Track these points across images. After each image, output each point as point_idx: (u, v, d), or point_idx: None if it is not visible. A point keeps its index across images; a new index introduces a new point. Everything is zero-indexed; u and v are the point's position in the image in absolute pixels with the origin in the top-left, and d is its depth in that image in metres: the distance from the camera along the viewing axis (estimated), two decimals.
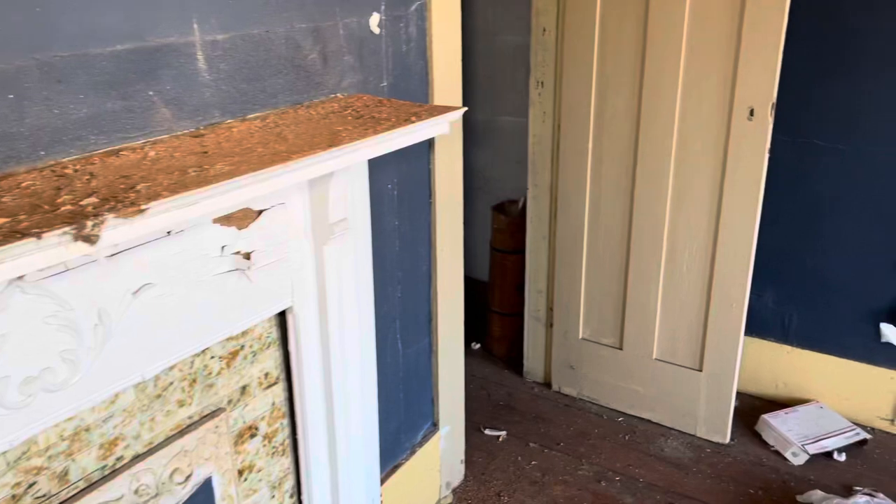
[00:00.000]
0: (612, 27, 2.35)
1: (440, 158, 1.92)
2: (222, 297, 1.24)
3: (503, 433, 2.62)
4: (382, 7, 1.64)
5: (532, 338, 2.90)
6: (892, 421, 2.54)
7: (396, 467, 2.05)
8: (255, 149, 1.15)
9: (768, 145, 2.19)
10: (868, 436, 2.50)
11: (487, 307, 3.15)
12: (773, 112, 2.16)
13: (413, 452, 2.10)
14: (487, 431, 2.63)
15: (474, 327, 3.31)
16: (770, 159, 2.43)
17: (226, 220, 1.22)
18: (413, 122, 1.31)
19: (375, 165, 1.70)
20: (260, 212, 1.28)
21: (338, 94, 1.56)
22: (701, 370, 2.50)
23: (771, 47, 2.10)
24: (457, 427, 2.29)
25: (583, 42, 2.40)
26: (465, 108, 1.44)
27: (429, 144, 1.89)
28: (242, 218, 1.25)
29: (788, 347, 2.69)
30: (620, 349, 2.65)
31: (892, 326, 2.47)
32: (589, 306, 2.69)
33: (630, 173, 2.45)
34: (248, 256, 1.26)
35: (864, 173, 2.40)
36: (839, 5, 2.31)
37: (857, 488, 2.28)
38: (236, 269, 1.25)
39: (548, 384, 2.89)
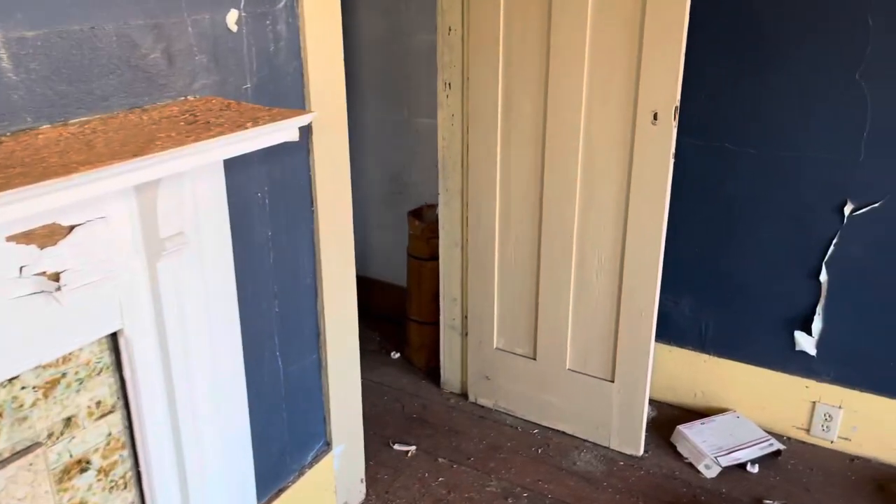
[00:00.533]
0: (517, 27, 2.26)
1: (321, 163, 1.81)
2: (25, 322, 1.12)
3: (412, 448, 2.52)
4: (241, 3, 1.53)
5: (448, 347, 2.80)
6: (808, 430, 2.50)
7: (282, 490, 1.93)
8: (48, 159, 1.03)
9: (673, 150, 2.12)
10: (782, 447, 2.45)
11: (406, 315, 3.04)
12: (677, 116, 2.09)
13: (301, 474, 1.99)
14: (396, 447, 2.52)
15: (395, 336, 3.21)
16: (682, 164, 2.37)
17: (24, 237, 1.10)
18: (247, 128, 1.20)
19: (239, 171, 1.59)
20: (72, 227, 1.16)
21: (188, 97, 1.45)
22: (613, 381, 2.42)
23: (672, 50, 2.02)
24: (354, 445, 2.18)
25: (488, 42, 2.31)
26: (315, 114, 1.34)
27: (306, 149, 1.78)
28: (47, 235, 1.13)
29: (705, 356, 2.63)
30: (534, 359, 2.57)
31: (805, 335, 2.42)
32: (503, 315, 2.60)
33: (538, 179, 2.36)
34: (56, 277, 1.14)
35: (774, 178, 2.35)
36: (750, 8, 2.25)
37: (768, 501, 2.23)
38: (41, 292, 1.13)
39: (465, 395, 2.80)
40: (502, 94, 2.34)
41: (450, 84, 2.46)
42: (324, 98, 1.77)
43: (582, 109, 2.21)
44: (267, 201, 1.70)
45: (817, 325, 2.40)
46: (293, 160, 1.75)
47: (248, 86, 1.58)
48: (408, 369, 3.01)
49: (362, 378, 2.16)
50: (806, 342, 2.43)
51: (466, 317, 2.69)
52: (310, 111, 1.33)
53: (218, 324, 1.49)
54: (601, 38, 2.13)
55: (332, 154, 1.84)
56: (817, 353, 2.43)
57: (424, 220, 2.91)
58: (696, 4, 2.07)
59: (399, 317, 3.16)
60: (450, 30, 2.40)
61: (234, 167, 1.55)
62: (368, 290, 3.45)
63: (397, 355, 3.10)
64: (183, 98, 1.43)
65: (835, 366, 2.42)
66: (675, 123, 2.09)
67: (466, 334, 2.71)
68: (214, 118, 1.27)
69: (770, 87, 2.28)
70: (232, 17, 1.51)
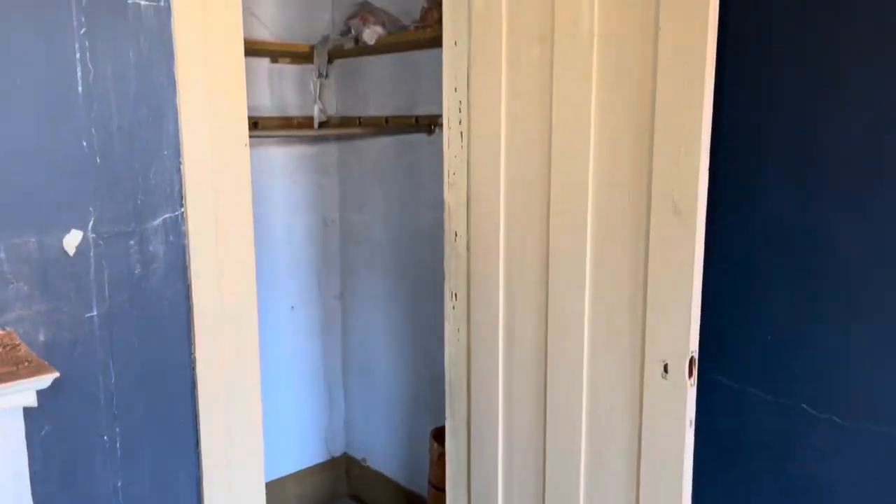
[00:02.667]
0: (516, 241, 1.89)
1: (214, 401, 1.53)
2: None
3: None
4: (90, 223, 1.35)
5: None
6: None
7: None
8: None
9: (692, 413, 1.57)
10: None
11: None
12: (694, 370, 1.55)
13: None
14: None
15: None
16: (745, 422, 1.79)
17: None
18: None
19: (69, 411, 1.35)
20: None
21: None
22: None
23: (683, 282, 1.53)
24: None
25: (488, 254, 1.96)
26: (56, 374, 1.06)
27: (190, 364, 1.50)
28: None
29: None
30: None
31: None
32: None
33: (541, 428, 1.88)
34: None
35: (870, 462, 1.65)
36: (812, 202, 1.68)
37: None
38: None
39: None
40: (503, 319, 1.95)
41: (456, 295, 2.11)
42: (220, 329, 1.51)
43: (584, 352, 1.74)
44: (118, 444, 1.44)
45: None
46: (167, 391, 1.49)
47: (95, 314, 1.37)
48: None
49: None
50: None
51: None
52: (54, 371, 1.06)
53: None
54: (604, 262, 1.69)
55: (235, 392, 1.55)
56: None
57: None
58: (723, 198, 1.58)
59: None
60: (455, 235, 2.08)
61: (65, 406, 1.32)
62: None
63: None
64: None
65: None
66: (690, 380, 1.55)
67: None
68: None
69: (860, 331, 1.65)
70: (72, 241, 1.33)
